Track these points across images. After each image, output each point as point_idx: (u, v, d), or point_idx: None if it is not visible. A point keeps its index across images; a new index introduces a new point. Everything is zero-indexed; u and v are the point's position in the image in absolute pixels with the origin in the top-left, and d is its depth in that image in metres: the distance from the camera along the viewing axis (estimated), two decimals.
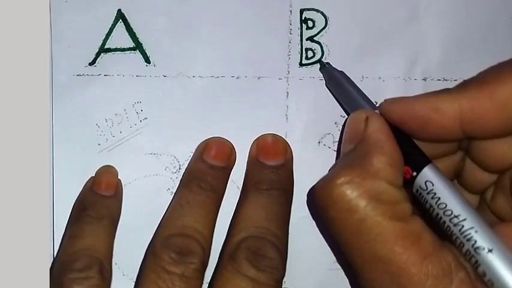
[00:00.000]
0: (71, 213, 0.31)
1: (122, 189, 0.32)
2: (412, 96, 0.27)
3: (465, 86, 0.26)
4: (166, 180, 0.32)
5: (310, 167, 0.33)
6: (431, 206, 0.25)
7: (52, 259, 0.31)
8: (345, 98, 0.31)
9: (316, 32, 0.32)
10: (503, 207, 0.28)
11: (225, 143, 0.32)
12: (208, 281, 0.31)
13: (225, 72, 0.32)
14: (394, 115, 0.27)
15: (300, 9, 0.32)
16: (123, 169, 0.32)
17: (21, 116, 0.27)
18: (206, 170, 0.31)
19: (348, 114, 0.32)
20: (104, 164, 0.32)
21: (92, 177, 0.32)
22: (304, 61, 0.32)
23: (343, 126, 0.32)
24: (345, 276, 0.33)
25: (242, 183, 0.32)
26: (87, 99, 0.31)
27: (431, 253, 0.23)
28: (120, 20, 0.31)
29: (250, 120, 0.32)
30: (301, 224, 0.33)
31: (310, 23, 0.32)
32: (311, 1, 0.32)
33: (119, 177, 0.32)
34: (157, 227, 0.31)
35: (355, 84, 0.31)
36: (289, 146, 0.32)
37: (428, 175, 0.26)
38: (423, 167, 0.26)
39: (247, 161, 0.32)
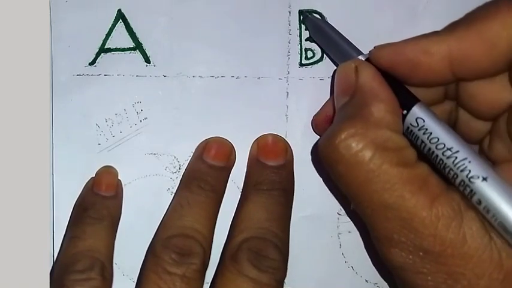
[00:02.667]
0: (72, 214, 0.31)
1: (122, 189, 0.32)
2: (401, 41, 0.27)
3: (454, 26, 0.26)
4: (166, 180, 0.32)
5: (310, 167, 0.33)
6: (422, 141, 0.25)
7: (52, 259, 0.31)
8: (331, 48, 0.31)
9: None
10: (501, 153, 0.27)
11: (225, 142, 0.32)
12: (210, 281, 0.31)
13: (225, 72, 0.32)
14: (384, 61, 0.27)
15: (299, 10, 0.32)
16: (123, 169, 0.32)
17: (21, 116, 0.27)
18: (206, 170, 0.31)
19: (335, 64, 0.32)
20: (104, 164, 0.32)
21: (92, 177, 0.31)
22: (304, 61, 0.32)
23: (332, 78, 0.32)
24: (345, 276, 0.33)
25: (242, 183, 0.32)
26: (87, 99, 0.31)
27: (439, 195, 0.24)
28: (120, 20, 0.31)
29: (250, 120, 0.32)
30: (301, 224, 0.33)
31: None
32: (310, 2, 0.32)
33: (119, 178, 0.32)
34: (158, 228, 0.31)
35: (341, 34, 0.31)
36: (289, 146, 0.32)
37: (418, 112, 0.26)
38: (413, 105, 0.26)
39: (248, 161, 0.32)
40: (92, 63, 0.31)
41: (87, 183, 0.31)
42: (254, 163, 0.32)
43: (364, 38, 0.32)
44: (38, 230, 0.27)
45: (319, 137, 0.33)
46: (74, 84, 0.31)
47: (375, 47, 0.27)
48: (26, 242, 0.26)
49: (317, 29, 0.31)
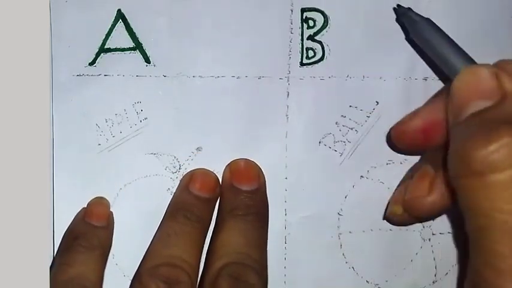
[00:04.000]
0: (61, 241, 0.31)
1: (113, 221, 0.32)
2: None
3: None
4: (166, 180, 0.32)
5: (310, 167, 0.33)
6: None
7: (52, 260, 0.31)
8: (440, 52, 0.29)
9: (317, 31, 0.32)
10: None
11: (210, 174, 0.32)
12: None
13: (225, 72, 0.32)
14: None
15: (301, 9, 0.32)
16: (123, 169, 0.32)
17: (21, 116, 0.27)
18: (192, 201, 0.31)
19: (431, 67, 0.32)
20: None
21: (83, 208, 0.31)
22: (305, 61, 0.32)
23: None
24: (346, 277, 0.33)
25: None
26: (87, 99, 0.31)
27: None
28: (120, 20, 0.31)
29: (250, 120, 0.32)
30: (301, 224, 0.33)
31: (311, 22, 0.32)
32: (312, 0, 0.32)
33: (111, 209, 0.32)
34: (144, 257, 0.30)
35: (448, 36, 0.29)
36: (261, 171, 0.32)
37: None
38: None
39: (221, 186, 0.32)
40: (92, 63, 0.31)
41: (78, 213, 0.31)
42: (228, 188, 0.32)
43: (365, 38, 0.32)
44: (38, 230, 0.27)
45: (319, 137, 0.33)
46: (74, 84, 0.31)
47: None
48: (26, 242, 0.26)
49: (418, 30, 0.30)
